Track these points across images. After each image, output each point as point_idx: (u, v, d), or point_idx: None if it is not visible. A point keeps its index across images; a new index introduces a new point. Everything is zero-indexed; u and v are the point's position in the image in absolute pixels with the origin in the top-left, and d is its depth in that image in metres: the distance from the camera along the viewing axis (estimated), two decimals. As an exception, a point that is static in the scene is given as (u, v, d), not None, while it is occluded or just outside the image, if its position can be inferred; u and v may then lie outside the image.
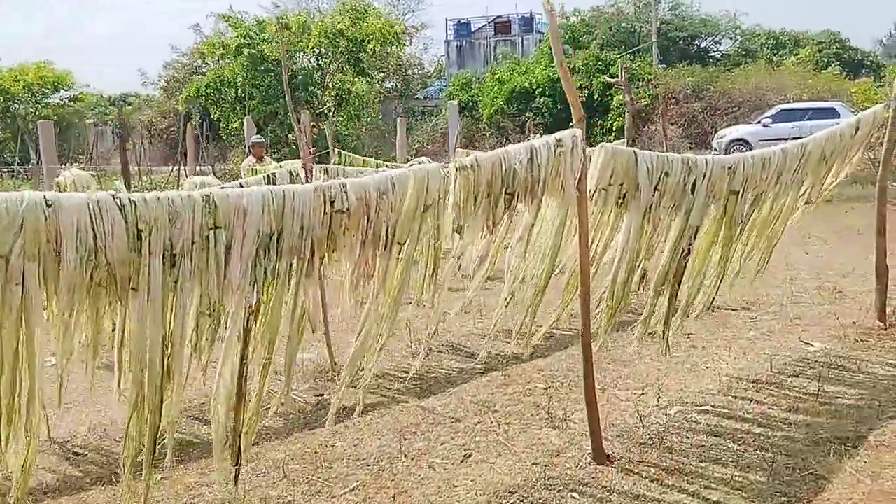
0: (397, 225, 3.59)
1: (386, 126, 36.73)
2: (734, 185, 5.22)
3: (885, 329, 6.85)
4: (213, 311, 3.12)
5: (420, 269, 4.16)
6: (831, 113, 24.28)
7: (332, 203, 3.36)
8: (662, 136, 13.34)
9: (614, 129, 32.34)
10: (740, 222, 5.41)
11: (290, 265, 3.33)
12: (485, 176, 3.83)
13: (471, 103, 38.70)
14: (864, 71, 39.24)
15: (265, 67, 26.92)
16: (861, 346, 6.49)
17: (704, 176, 4.92)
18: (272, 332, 3.39)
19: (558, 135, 4.15)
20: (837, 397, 5.39)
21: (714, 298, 5.67)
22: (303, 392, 5.90)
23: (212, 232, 3.04)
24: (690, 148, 26.83)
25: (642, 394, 5.62)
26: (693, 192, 4.91)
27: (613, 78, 8.98)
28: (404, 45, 34.33)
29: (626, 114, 8.42)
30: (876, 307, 7.05)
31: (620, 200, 4.56)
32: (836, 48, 40.57)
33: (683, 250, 5.08)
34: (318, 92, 28.35)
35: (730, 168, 5.12)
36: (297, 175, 6.13)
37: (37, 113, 35.31)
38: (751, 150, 20.20)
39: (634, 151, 4.52)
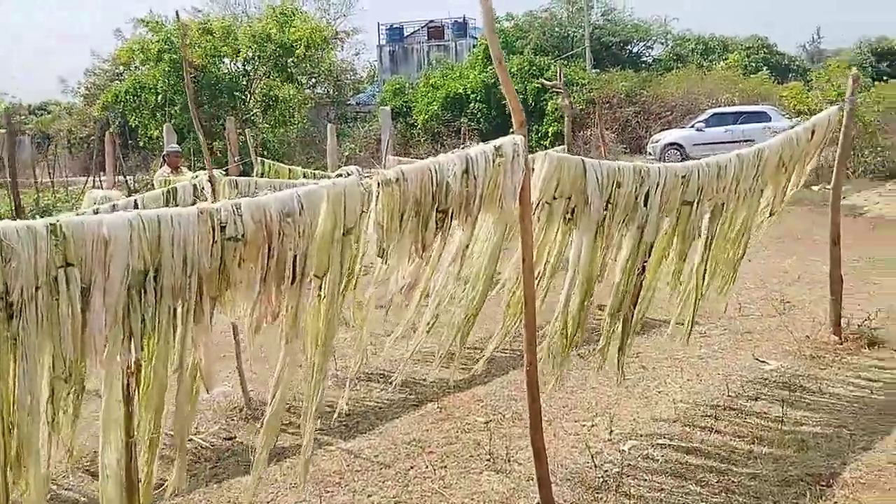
0: (309, 253, 2.98)
1: (318, 133, 35.88)
2: (687, 195, 4.75)
3: (841, 343, 6.48)
4: (71, 374, 2.45)
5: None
6: (763, 116, 24.44)
7: (222, 228, 2.73)
8: (600, 141, 12.98)
9: (550, 133, 32.14)
10: (695, 236, 4.95)
11: (174, 309, 2.68)
12: (412, 191, 3.26)
13: (405, 109, 38.14)
14: (790, 75, 39.87)
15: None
16: (818, 364, 6.10)
17: (658, 186, 4.43)
18: (158, 398, 2.73)
19: (498, 142, 3.61)
20: (802, 423, 4.96)
21: (692, 322, 5.26)
22: (212, 434, 5.22)
23: (62, 271, 2.39)
24: (625, 153, 26.74)
25: (592, 425, 5.11)
26: (646, 205, 4.42)
27: (550, 81, 8.54)
28: (332, 49, 33.58)
29: (566, 119, 7.95)
30: (830, 320, 6.69)
31: (568, 215, 4.03)
32: (764, 53, 41.18)
33: (638, 269, 4.59)
34: (244, 98, 27.44)
35: (683, 177, 4.65)
36: (203, 189, 5.45)
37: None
38: (685, 154, 20.04)
39: (583, 160, 4.00)
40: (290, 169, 11.81)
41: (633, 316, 4.66)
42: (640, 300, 4.72)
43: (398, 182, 3.18)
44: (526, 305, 3.71)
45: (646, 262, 4.61)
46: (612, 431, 4.90)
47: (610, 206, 4.19)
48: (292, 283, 2.93)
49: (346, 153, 32.80)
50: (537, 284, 4.01)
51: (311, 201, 2.92)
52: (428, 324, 3.75)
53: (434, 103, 35.96)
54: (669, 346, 6.66)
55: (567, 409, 5.40)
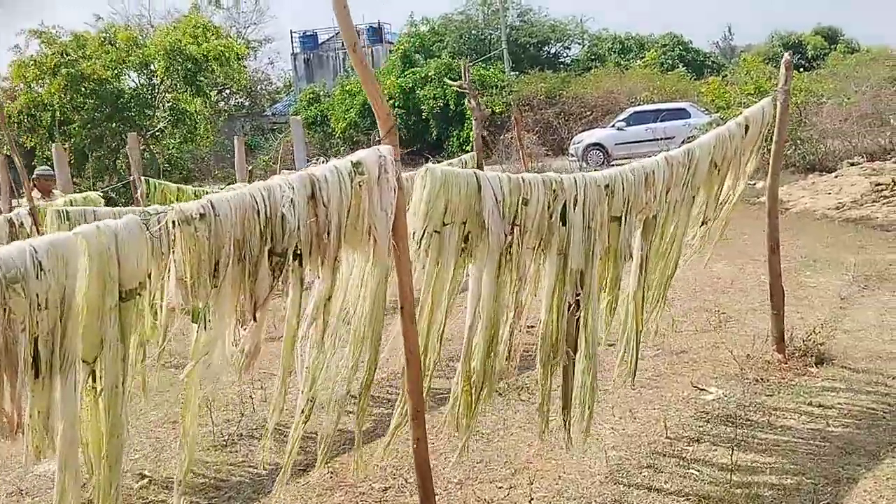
0: (66, 332, 2.05)
1: (232, 147, 34.45)
2: (614, 209, 3.96)
3: (786, 362, 5.80)
4: None
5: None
6: (682, 113, 24.18)
7: None
8: (518, 144, 12.25)
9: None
10: (626, 256, 4.17)
11: None
12: (228, 230, 2.36)
13: (321, 118, 37.06)
14: (706, 71, 40.07)
15: (87, 88, 24.28)
16: (764, 389, 5.39)
17: (577, 200, 3.62)
18: None
19: (358, 156, 2.74)
20: (754, 471, 4.22)
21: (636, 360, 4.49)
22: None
23: None
24: (548, 155, 26.20)
25: (510, 487, 4.26)
26: (565, 223, 3.60)
27: (456, 81, 7.76)
28: (244, 60, 32.23)
29: (474, 122, 7.14)
30: (772, 336, 6.01)
31: (463, 245, 3.19)
32: (680, 50, 41.30)
33: (570, 305, 3.77)
34: (151, 112, 25.98)
35: (607, 187, 3.85)
36: (21, 224, 4.42)
37: None
38: (607, 154, 19.56)
39: (475, 174, 3.16)
40: (178, 188, 10.72)
41: (573, 366, 3.85)
42: (581, 344, 3.91)
43: (204, 218, 2.28)
44: (409, 367, 2.84)
45: (578, 294, 3.80)
46: (531, 499, 4.06)
47: (517, 228, 3.35)
48: (36, 378, 2.00)
49: (261, 166, 31.64)
50: (427, 336, 3.14)
51: (58, 256, 2.00)
52: (303, 412, 2.85)
53: (351, 111, 34.98)
54: (599, 374, 5.88)
55: (483, 465, 4.55)
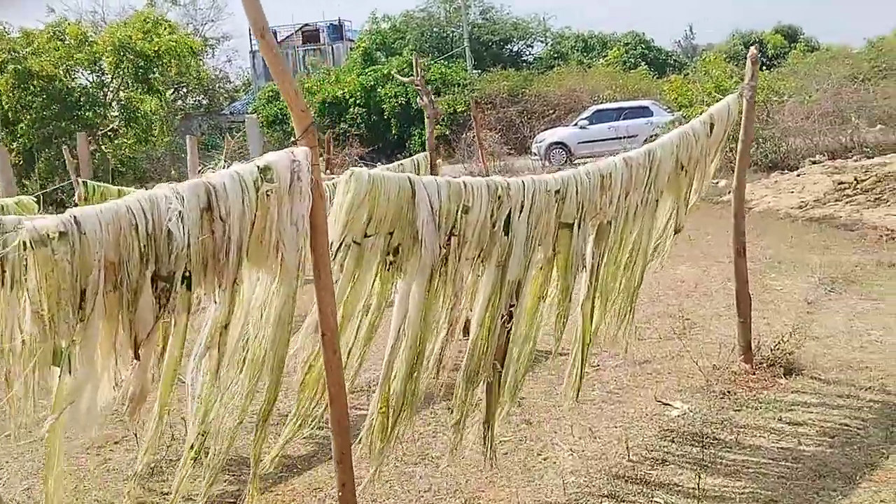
0: None
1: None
2: (565, 215, 3.61)
3: (754, 373, 5.50)
4: None
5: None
6: (645, 112, 24.04)
7: None
8: (478, 144, 11.90)
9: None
10: (579, 266, 3.82)
11: None
12: (97, 252, 1.96)
13: (281, 116, 36.40)
14: (668, 70, 40.13)
15: (36, 85, 23.48)
16: (731, 403, 5.08)
17: (523, 207, 3.26)
18: None
19: (267, 160, 2.34)
20: (723, 497, 3.89)
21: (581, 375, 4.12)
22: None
23: None
24: (510, 154, 25.90)
25: (458, 522, 3.90)
26: (508, 233, 3.24)
27: (407, 77, 7.41)
28: (202, 62, 31.54)
29: (427, 121, 6.77)
30: (739, 345, 5.71)
31: (390, 258, 2.81)
32: (642, 48, 41.34)
33: (502, 316, 3.42)
34: (102, 111, 25.23)
35: (557, 192, 3.50)
36: None
37: None
38: (570, 153, 19.28)
39: (409, 179, 2.78)
40: (119, 190, 10.19)
41: (501, 380, 3.48)
42: (509, 357, 3.56)
43: (65, 237, 1.88)
44: (332, 404, 2.45)
45: (513, 306, 3.45)
46: (481, 537, 3.70)
47: (455, 238, 2.99)
48: None
49: (218, 166, 30.98)
50: (347, 355, 2.76)
51: None
52: (193, 447, 2.45)
53: (311, 109, 34.32)
54: (558, 387, 5.55)
55: (430, 495, 4.17)
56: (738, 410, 4.95)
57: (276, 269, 2.41)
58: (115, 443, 5.25)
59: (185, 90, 42.53)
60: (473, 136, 25.61)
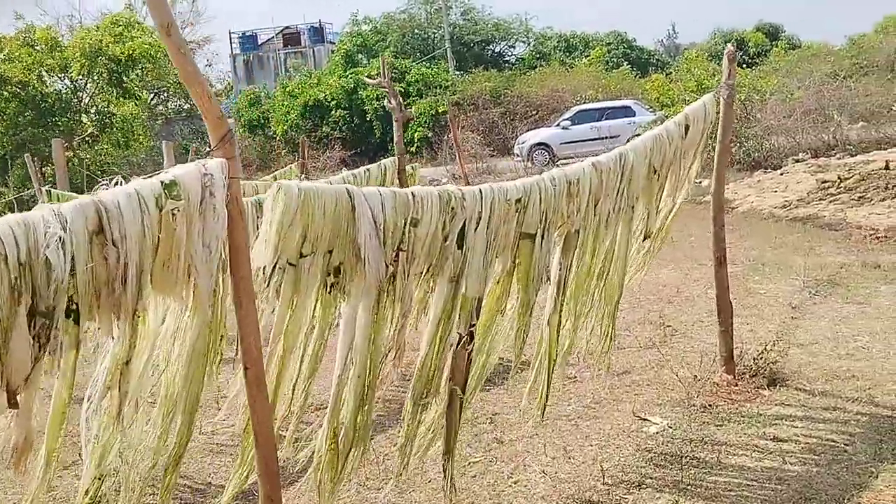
0: None
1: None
2: (527, 225, 3.35)
3: (736, 384, 5.26)
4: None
5: None
6: (627, 111, 23.86)
7: None
8: (454, 147, 11.63)
9: (416, 140, 30.83)
10: (542, 279, 3.55)
11: None
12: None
13: (262, 120, 36.03)
14: (650, 69, 40.01)
15: (8, 92, 23.05)
16: (713, 418, 4.84)
17: (479, 219, 3.00)
18: None
19: (174, 174, 2.07)
20: (702, 525, 3.64)
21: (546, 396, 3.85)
22: None
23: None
24: (493, 155, 25.65)
25: (420, 555, 3.63)
26: (462, 246, 2.97)
27: (373, 78, 7.10)
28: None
29: (395, 123, 6.50)
30: (721, 355, 5.46)
31: (332, 279, 2.54)
32: (624, 48, 41.20)
33: (461, 337, 3.15)
34: (78, 117, 24.81)
35: (518, 202, 3.24)
36: None
37: None
38: (553, 153, 19.06)
39: (348, 190, 2.51)
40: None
41: (460, 407, 3.22)
42: (473, 378, 3.30)
43: None
44: (258, 447, 2.18)
45: (473, 325, 3.18)
46: (442, 574, 3.43)
47: (403, 254, 2.72)
48: None
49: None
50: (276, 393, 2.49)
51: None
52: (88, 493, 2.17)
53: (292, 112, 34.02)
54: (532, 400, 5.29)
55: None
56: (720, 426, 4.71)
57: (187, 297, 2.13)
58: (65, 468, 4.95)
59: (165, 95, 42.10)
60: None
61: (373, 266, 2.50)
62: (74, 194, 10.40)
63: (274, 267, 2.30)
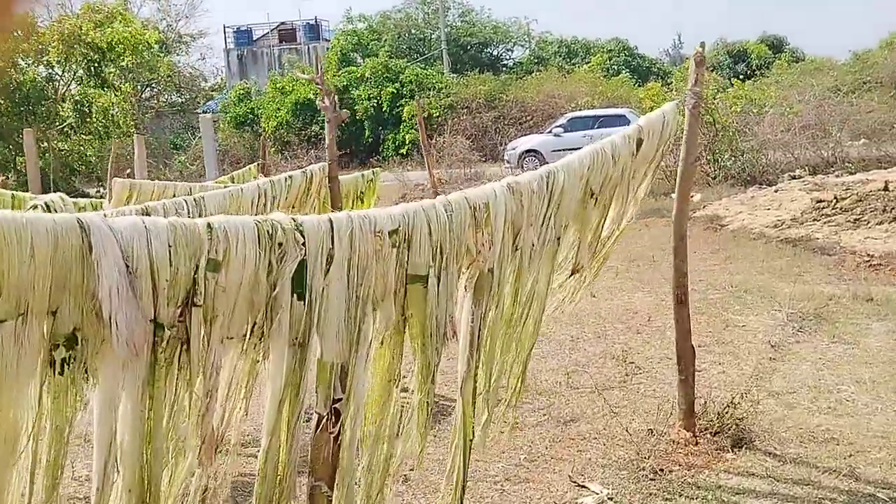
0: None
1: (158, 145, 32.52)
2: (414, 265, 2.59)
3: (696, 443, 4.50)
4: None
5: None
6: (621, 120, 23.09)
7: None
8: (425, 153, 10.86)
9: (407, 141, 30.11)
10: (446, 335, 2.79)
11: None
12: None
13: (252, 117, 35.30)
14: (652, 78, 39.25)
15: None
16: (662, 488, 4.07)
17: (330, 259, 2.24)
18: None
19: None
20: None
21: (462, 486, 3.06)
22: None
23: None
24: (483, 161, 24.93)
25: None
26: (301, 297, 2.21)
27: (306, 74, 6.31)
28: (162, 56, 30.34)
29: (327, 125, 5.75)
30: (679, 406, 4.70)
31: (63, 353, 1.77)
32: (626, 56, 40.44)
33: (321, 417, 2.42)
34: (55, 106, 24.04)
35: (394, 233, 2.48)
36: None
37: None
38: (543, 161, 18.37)
39: (80, 222, 1.72)
40: (13, 195, 9.12)
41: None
42: (343, 471, 2.53)
43: None
44: None
45: (339, 399, 2.42)
46: None
47: (199, 310, 1.95)
48: None
49: (178, 168, 29.88)
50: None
51: None
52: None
53: (283, 109, 33.31)
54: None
55: None
56: (669, 500, 3.94)
57: None
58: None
59: (157, 88, 41.38)
60: (444, 142, 24.70)
61: (123, 332, 1.74)
62: (25, 193, 9.63)
63: None
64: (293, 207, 5.60)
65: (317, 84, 5.87)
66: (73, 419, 1.78)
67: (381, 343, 2.66)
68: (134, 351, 1.77)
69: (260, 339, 2.21)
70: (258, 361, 2.24)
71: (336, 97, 5.86)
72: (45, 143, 22.51)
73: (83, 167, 25.47)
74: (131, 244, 1.76)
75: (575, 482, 4.20)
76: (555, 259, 3.38)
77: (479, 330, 3.00)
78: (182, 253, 1.88)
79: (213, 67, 49.43)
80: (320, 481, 2.49)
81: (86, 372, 1.76)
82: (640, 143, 3.71)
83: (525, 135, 26.58)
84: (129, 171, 21.07)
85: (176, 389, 1.99)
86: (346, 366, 2.43)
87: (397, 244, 2.54)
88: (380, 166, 29.16)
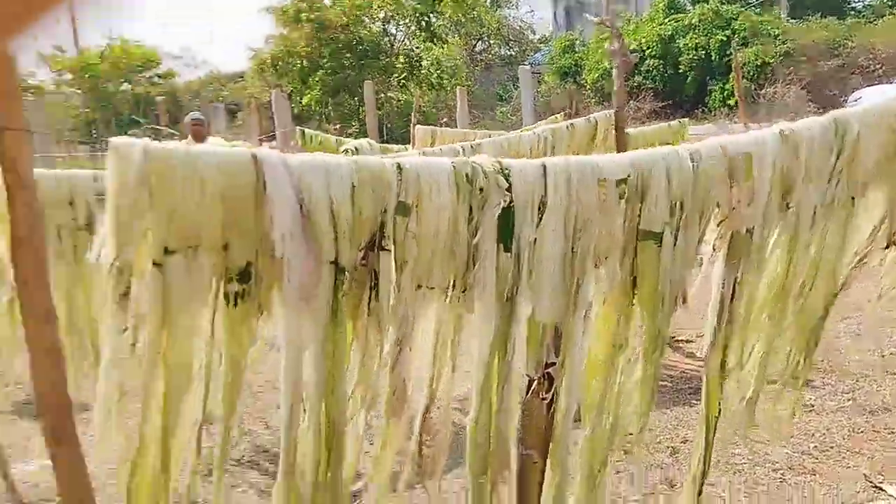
0: None
1: (486, 97, 33.80)
2: (647, 220, 2.30)
3: None
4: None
5: None
6: None
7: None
8: (740, 102, 9.97)
9: (734, 92, 28.26)
10: (678, 300, 2.47)
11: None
12: None
13: (575, 68, 35.23)
14: None
15: (329, 35, 24.47)
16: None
17: (542, 207, 2.04)
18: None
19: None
20: None
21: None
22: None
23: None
24: (819, 112, 22.67)
25: None
26: (507, 249, 2.03)
27: (598, 17, 6.01)
28: (498, 7, 31.06)
29: (615, 70, 5.43)
30: None
31: (236, 287, 1.74)
32: None
33: (532, 381, 2.25)
34: (391, 60, 25.79)
35: (622, 183, 2.20)
36: None
37: (133, 91, 33.91)
38: None
39: (255, 157, 1.67)
40: (337, 140, 9.86)
41: (543, 479, 2.31)
42: (557, 443, 2.35)
43: None
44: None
45: (552, 363, 2.23)
46: None
47: (385, 255, 1.84)
48: None
49: (500, 119, 30.65)
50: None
51: None
52: None
53: (605, 60, 32.75)
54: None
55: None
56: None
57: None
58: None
59: (487, 41, 42.72)
60: (774, 93, 22.81)
61: (295, 273, 1.66)
62: (331, 136, 10.47)
63: (112, 266, 1.57)
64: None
65: (606, 26, 5.54)
66: (247, 351, 1.76)
67: (604, 303, 2.38)
68: (306, 293, 1.70)
69: (463, 292, 2.06)
70: (462, 316, 2.10)
71: (624, 39, 5.49)
72: (383, 95, 24.25)
73: (419, 117, 27.18)
74: (309, 182, 1.68)
75: (871, 482, 3.60)
76: (848, 224, 2.83)
77: (732, 298, 2.59)
78: (366, 193, 1.77)
79: (540, 19, 49.76)
80: (531, 450, 2.31)
81: (260, 307, 1.73)
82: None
83: (871, 86, 23.64)
84: (444, 120, 22.06)
85: (366, 337, 1.91)
86: (561, 328, 2.21)
87: (626, 195, 2.24)
88: (705, 118, 27.77)
